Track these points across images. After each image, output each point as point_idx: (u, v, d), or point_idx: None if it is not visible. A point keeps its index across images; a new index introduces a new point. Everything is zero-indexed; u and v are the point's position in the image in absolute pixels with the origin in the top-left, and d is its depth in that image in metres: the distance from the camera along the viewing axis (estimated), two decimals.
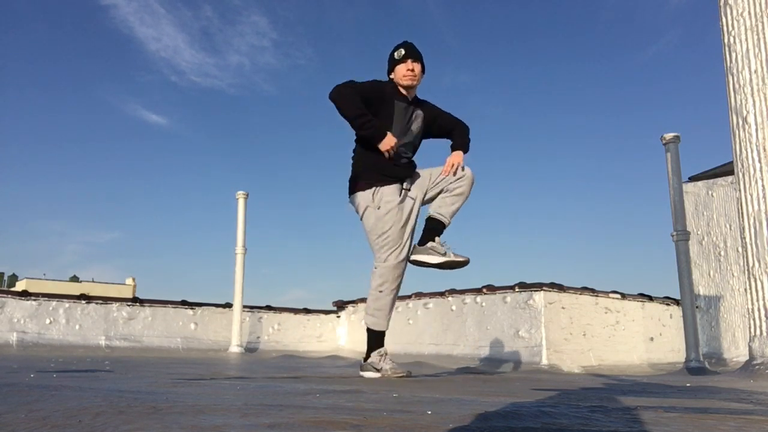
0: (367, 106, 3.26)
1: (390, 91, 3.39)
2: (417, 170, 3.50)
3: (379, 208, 3.30)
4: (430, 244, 3.38)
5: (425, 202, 3.49)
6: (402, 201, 3.35)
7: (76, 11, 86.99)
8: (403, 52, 3.38)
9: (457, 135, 3.53)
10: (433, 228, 3.41)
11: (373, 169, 3.34)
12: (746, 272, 3.73)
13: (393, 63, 3.42)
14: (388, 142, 3.27)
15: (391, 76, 3.44)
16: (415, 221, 3.43)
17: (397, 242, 3.32)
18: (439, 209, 3.43)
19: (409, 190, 3.41)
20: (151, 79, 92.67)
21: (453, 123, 3.57)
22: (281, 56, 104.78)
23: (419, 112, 3.47)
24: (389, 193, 3.33)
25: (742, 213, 3.76)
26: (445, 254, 3.37)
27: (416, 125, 3.46)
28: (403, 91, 3.41)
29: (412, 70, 3.35)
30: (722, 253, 7.17)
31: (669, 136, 5.05)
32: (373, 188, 3.32)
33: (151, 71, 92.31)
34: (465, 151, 3.50)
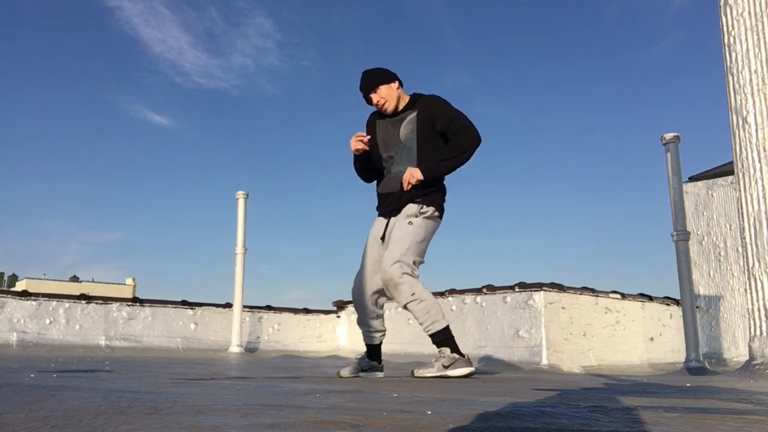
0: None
1: (371, 119, 3.59)
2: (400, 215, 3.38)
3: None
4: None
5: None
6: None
7: (81, 12, 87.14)
8: (362, 94, 3.48)
9: (448, 149, 3.35)
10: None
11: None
12: (746, 272, 3.73)
13: (365, 101, 3.52)
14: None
15: None
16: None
17: None
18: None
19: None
20: (156, 81, 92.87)
21: (452, 130, 3.35)
22: (285, 58, 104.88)
23: (411, 116, 3.40)
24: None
25: (742, 213, 3.76)
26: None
27: (406, 130, 3.39)
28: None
29: (378, 102, 3.43)
30: (722, 253, 7.17)
31: (669, 136, 5.05)
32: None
33: (155, 72, 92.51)
34: (424, 174, 3.27)
